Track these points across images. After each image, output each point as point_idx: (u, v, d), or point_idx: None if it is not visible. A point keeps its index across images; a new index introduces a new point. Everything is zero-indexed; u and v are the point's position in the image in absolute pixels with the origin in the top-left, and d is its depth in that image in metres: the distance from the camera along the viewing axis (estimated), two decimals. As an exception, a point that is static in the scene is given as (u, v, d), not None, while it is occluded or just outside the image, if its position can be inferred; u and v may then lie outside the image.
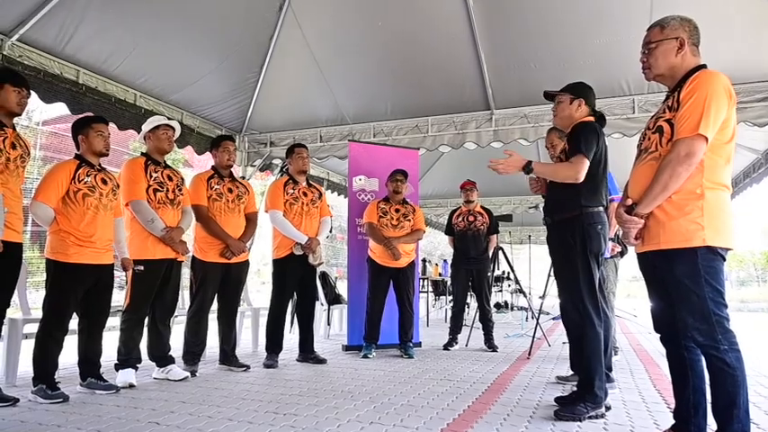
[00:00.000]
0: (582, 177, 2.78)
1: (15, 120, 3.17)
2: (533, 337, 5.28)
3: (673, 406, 2.27)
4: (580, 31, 5.07)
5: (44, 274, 3.24)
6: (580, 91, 3.04)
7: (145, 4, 4.62)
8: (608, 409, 2.87)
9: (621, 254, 4.43)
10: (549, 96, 3.13)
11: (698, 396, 2.14)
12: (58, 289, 3.21)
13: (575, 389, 3.05)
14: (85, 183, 3.28)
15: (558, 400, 3.03)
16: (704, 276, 1.99)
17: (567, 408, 2.80)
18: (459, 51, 5.50)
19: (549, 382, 3.83)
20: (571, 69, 5.08)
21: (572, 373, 3.72)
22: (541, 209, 5.58)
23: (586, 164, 2.78)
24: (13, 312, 3.37)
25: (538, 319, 5.52)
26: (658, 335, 2.28)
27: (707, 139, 2.00)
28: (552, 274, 3.45)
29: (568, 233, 2.86)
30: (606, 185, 2.98)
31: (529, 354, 5.07)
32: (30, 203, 3.22)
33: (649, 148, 2.21)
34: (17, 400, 3.01)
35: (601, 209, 2.88)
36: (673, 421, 2.26)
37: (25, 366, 3.53)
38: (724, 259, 2.04)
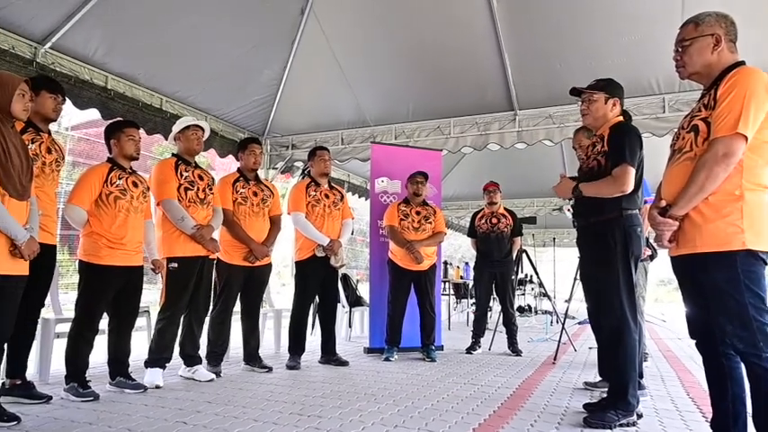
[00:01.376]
0: (631, 188, 2.72)
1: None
2: (559, 341, 5.18)
3: (709, 416, 2.19)
4: (607, 29, 4.99)
5: (73, 276, 3.28)
6: (614, 90, 2.96)
7: (169, 11, 4.70)
8: (639, 417, 2.80)
9: (651, 257, 4.32)
10: (577, 93, 3.02)
11: (737, 405, 2.06)
12: (89, 290, 3.27)
13: (604, 395, 2.97)
14: (117, 186, 3.34)
15: (586, 406, 2.96)
16: (744, 281, 1.91)
17: (596, 414, 2.73)
18: (483, 51, 5.44)
19: (577, 387, 3.76)
20: (598, 68, 4.97)
21: (600, 379, 3.64)
22: (566, 210, 5.48)
23: (632, 173, 2.71)
24: (45, 312, 3.44)
25: (564, 324, 5.42)
26: (693, 341, 2.20)
27: (746, 138, 1.93)
28: (578, 277, 3.36)
29: (608, 235, 2.78)
30: (642, 188, 2.90)
31: (554, 358, 4.98)
32: (64, 206, 3.29)
33: (684, 148, 2.14)
34: (50, 398, 3.07)
35: (638, 211, 2.81)
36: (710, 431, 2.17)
37: (57, 365, 3.60)
38: (765, 263, 1.96)
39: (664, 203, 2.15)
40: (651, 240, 3.60)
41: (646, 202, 3.39)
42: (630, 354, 2.73)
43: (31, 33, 4.22)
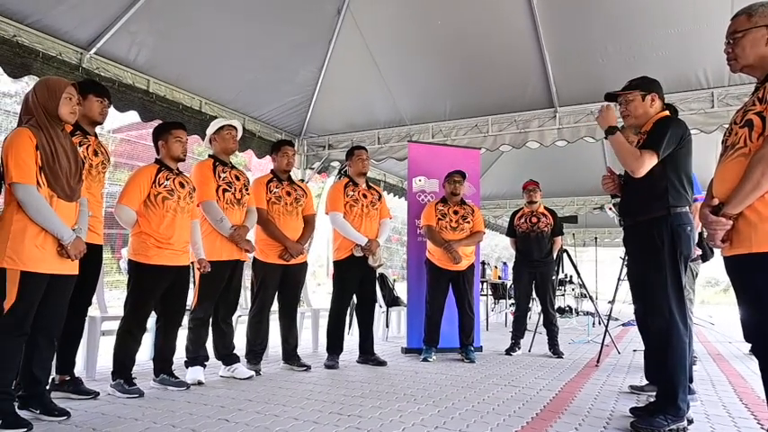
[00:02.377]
0: (642, 172, 2.67)
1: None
2: (602, 343, 5.05)
3: (766, 423, 2.09)
4: (651, 22, 4.83)
5: (115, 275, 3.37)
6: (649, 86, 2.86)
7: (208, 15, 4.79)
8: (690, 422, 2.69)
9: (704, 258, 4.17)
10: (612, 98, 2.94)
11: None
12: (139, 289, 3.35)
13: (651, 399, 2.88)
14: (165, 186, 3.40)
15: (633, 410, 2.86)
16: None
17: (644, 420, 2.64)
18: (522, 47, 5.36)
19: (622, 391, 3.64)
20: (642, 63, 4.83)
21: (647, 382, 3.53)
22: (608, 209, 5.34)
23: (652, 160, 2.65)
24: (91, 310, 3.52)
25: (607, 325, 5.28)
26: (749, 345, 2.10)
27: (805, 132, 1.83)
28: (624, 277, 3.27)
29: (655, 235, 2.69)
30: (692, 185, 2.80)
31: (597, 361, 4.85)
32: (114, 207, 3.37)
33: (737, 144, 2.05)
34: (98, 394, 3.16)
35: (687, 209, 2.71)
36: (767, 439, 2.08)
37: (102, 362, 3.70)
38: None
39: (716, 201, 2.06)
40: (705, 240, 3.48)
41: (696, 199, 3.27)
42: (680, 357, 2.63)
43: (77, 39, 4.37)
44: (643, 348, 3.17)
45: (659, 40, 4.90)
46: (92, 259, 2.92)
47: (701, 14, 4.52)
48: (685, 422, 2.63)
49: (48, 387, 2.82)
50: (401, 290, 6.67)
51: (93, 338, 3.80)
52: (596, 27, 5.03)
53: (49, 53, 4.18)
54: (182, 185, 3.49)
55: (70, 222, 2.65)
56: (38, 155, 2.53)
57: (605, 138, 2.87)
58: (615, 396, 3.48)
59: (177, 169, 3.55)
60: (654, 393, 2.92)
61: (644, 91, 2.84)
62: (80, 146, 3.03)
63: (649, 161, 2.65)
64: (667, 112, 2.87)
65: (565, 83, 5.63)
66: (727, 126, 2.20)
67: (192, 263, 3.65)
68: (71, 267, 2.68)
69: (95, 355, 3.82)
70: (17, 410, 2.54)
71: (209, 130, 4.00)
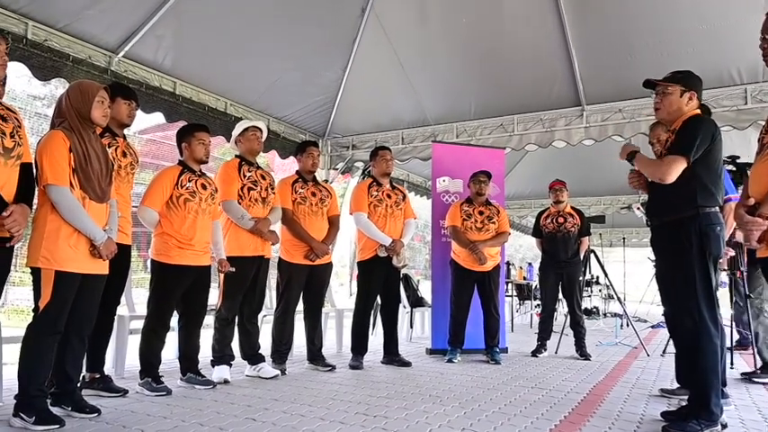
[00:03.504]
0: (671, 179, 2.60)
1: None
2: (641, 344, 4.92)
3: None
4: (681, 18, 4.73)
5: (142, 273, 3.41)
6: (691, 82, 2.78)
7: (232, 18, 4.84)
8: (724, 427, 2.62)
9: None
10: (651, 85, 2.86)
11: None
12: (161, 288, 3.40)
13: (682, 403, 2.82)
14: (187, 188, 3.43)
15: (665, 414, 2.81)
16: None
17: (676, 424, 2.58)
18: (547, 45, 5.30)
19: (652, 394, 3.57)
20: (671, 59, 4.73)
21: (678, 386, 3.45)
22: (635, 209, 5.25)
23: (681, 165, 2.59)
24: (120, 309, 3.58)
25: (635, 327, 5.18)
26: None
27: None
28: (656, 279, 3.20)
29: (683, 235, 2.64)
30: (722, 184, 2.73)
31: (626, 363, 4.76)
32: (137, 208, 3.42)
33: (774, 142, 1.99)
34: (127, 392, 3.20)
35: (717, 209, 2.64)
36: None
37: (131, 360, 3.74)
38: None
39: (752, 201, 2.01)
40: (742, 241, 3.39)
41: (729, 199, 3.19)
42: (712, 360, 2.57)
43: (106, 43, 4.45)
44: (673, 351, 3.10)
45: (689, 35, 4.80)
46: (120, 259, 2.96)
47: (732, 10, 4.41)
48: (719, 426, 2.57)
49: (78, 385, 2.87)
50: (425, 290, 6.64)
51: (121, 337, 3.85)
52: (624, 23, 4.94)
53: (79, 57, 4.27)
54: (204, 187, 3.52)
55: (101, 223, 2.70)
56: (71, 157, 2.58)
57: (631, 164, 2.90)
58: (645, 399, 3.42)
59: (200, 171, 3.58)
60: (686, 397, 2.85)
61: (684, 87, 2.76)
62: (109, 147, 3.07)
63: (678, 166, 2.59)
64: (698, 111, 2.80)
65: (592, 81, 5.54)
66: (762, 123, 2.14)
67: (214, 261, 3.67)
68: (102, 267, 2.73)
69: (124, 354, 3.87)
70: (50, 407, 2.59)
71: (235, 132, 4.03)
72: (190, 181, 3.46)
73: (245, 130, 3.98)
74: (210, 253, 3.61)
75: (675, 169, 2.59)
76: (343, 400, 3.20)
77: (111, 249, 2.71)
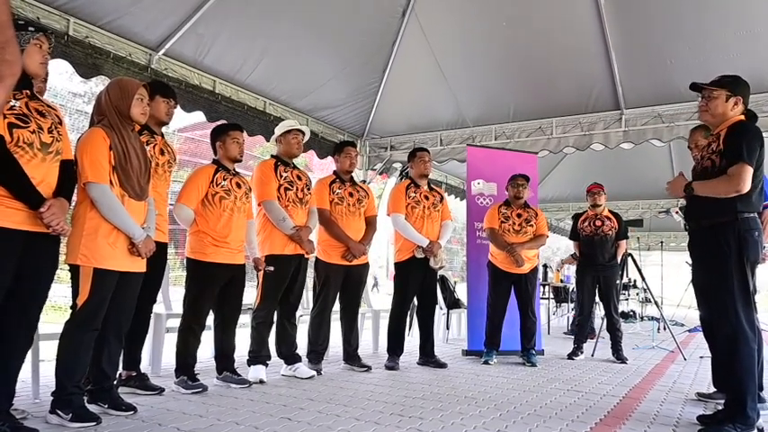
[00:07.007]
0: (747, 188, 2.56)
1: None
2: (677, 347, 4.86)
3: None
4: (722, 21, 4.62)
5: (179, 270, 3.50)
6: (738, 88, 2.76)
7: (274, 16, 4.83)
8: (760, 431, 2.64)
9: None
10: (698, 88, 2.85)
11: None
12: (196, 286, 3.40)
13: (719, 407, 2.83)
14: (222, 186, 3.43)
15: (701, 418, 2.80)
16: None
17: (712, 428, 2.60)
18: (588, 49, 5.21)
19: (689, 398, 3.51)
20: (712, 64, 4.61)
21: (714, 390, 3.45)
22: (673, 213, 5.21)
23: (749, 172, 2.55)
24: (156, 307, 3.59)
25: (672, 330, 5.14)
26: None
27: None
28: (692, 283, 3.21)
29: (721, 240, 2.64)
30: (762, 190, 2.74)
31: (663, 366, 4.73)
32: (173, 206, 3.43)
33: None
34: (163, 390, 3.21)
35: (756, 215, 2.65)
36: None
37: (167, 358, 3.77)
38: None
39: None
40: None
41: (767, 206, 3.18)
42: (748, 364, 2.58)
43: (147, 41, 4.46)
44: (710, 355, 3.11)
45: (731, 40, 4.68)
46: (157, 257, 2.96)
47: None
48: (755, 431, 2.58)
49: (114, 382, 2.88)
50: (461, 292, 6.65)
51: (158, 335, 3.86)
52: (664, 27, 4.83)
53: (120, 54, 4.28)
54: (238, 186, 3.52)
55: (139, 221, 2.69)
56: (111, 155, 2.58)
57: (689, 195, 2.79)
58: (682, 403, 3.37)
59: (234, 170, 3.58)
60: (722, 401, 2.87)
61: (730, 92, 2.75)
62: (147, 145, 3.06)
63: (748, 174, 2.57)
64: (743, 117, 2.81)
65: (632, 84, 5.44)
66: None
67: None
68: (140, 265, 2.73)
69: (160, 352, 3.88)
70: (86, 404, 2.59)
71: (278, 130, 4.03)
72: (225, 179, 3.46)
73: (287, 132, 3.98)
74: (245, 252, 3.61)
75: (746, 177, 2.57)
76: (379, 400, 3.19)
77: (150, 247, 2.71)
